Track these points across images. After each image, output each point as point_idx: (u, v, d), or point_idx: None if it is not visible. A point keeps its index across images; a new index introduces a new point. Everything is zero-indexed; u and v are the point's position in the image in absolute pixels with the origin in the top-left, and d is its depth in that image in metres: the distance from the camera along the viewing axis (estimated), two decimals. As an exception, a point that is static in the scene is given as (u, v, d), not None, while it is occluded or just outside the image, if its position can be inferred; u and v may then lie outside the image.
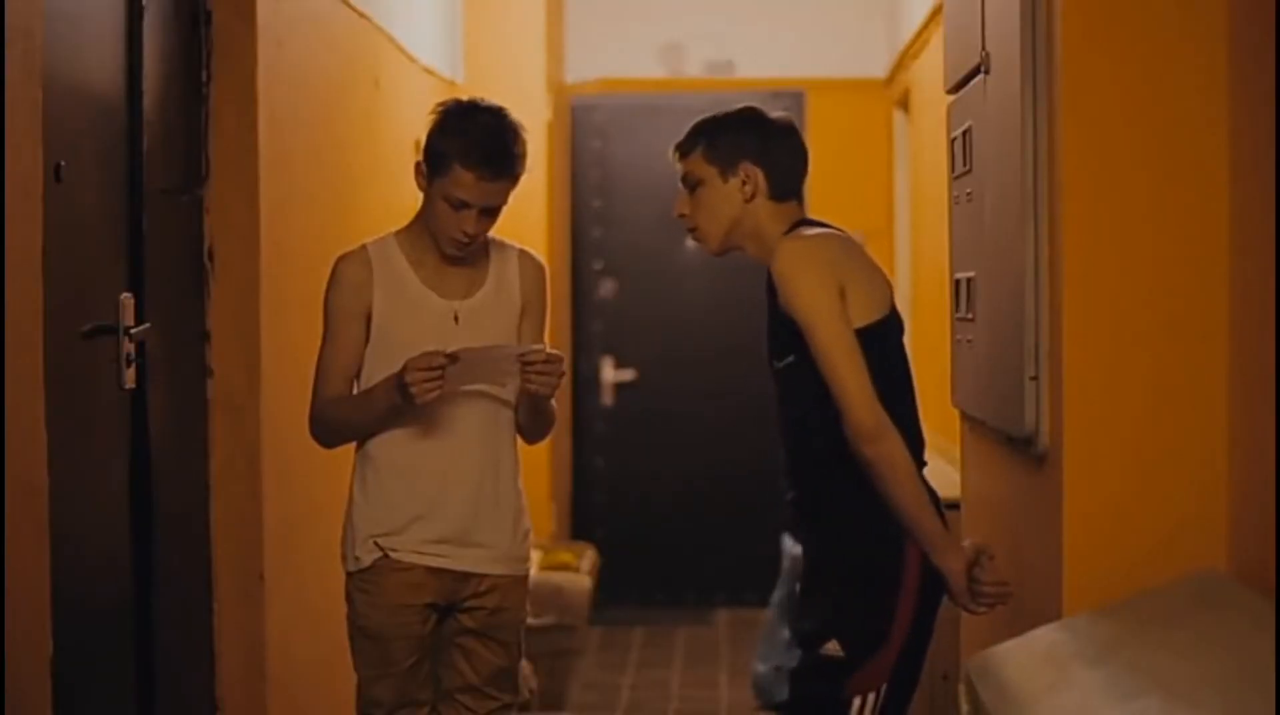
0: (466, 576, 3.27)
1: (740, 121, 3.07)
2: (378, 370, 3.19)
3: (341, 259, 3.28)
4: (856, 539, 2.92)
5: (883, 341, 2.91)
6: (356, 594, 3.28)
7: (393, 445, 3.24)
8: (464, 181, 3.13)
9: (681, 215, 3.07)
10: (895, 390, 2.91)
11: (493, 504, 3.28)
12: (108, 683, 3.12)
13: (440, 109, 3.24)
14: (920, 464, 2.94)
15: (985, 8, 3.07)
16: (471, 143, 3.13)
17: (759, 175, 3.02)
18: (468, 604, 3.28)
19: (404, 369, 3.04)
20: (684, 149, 3.07)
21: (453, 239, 3.19)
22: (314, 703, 4.15)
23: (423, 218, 3.26)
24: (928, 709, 4.84)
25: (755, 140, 3.03)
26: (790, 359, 2.93)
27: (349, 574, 3.29)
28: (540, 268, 3.38)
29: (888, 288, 2.97)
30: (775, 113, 3.12)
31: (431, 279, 3.25)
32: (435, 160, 3.17)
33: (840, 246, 2.96)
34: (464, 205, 3.15)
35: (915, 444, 2.96)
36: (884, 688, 2.89)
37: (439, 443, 3.23)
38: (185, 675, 3.57)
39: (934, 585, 2.92)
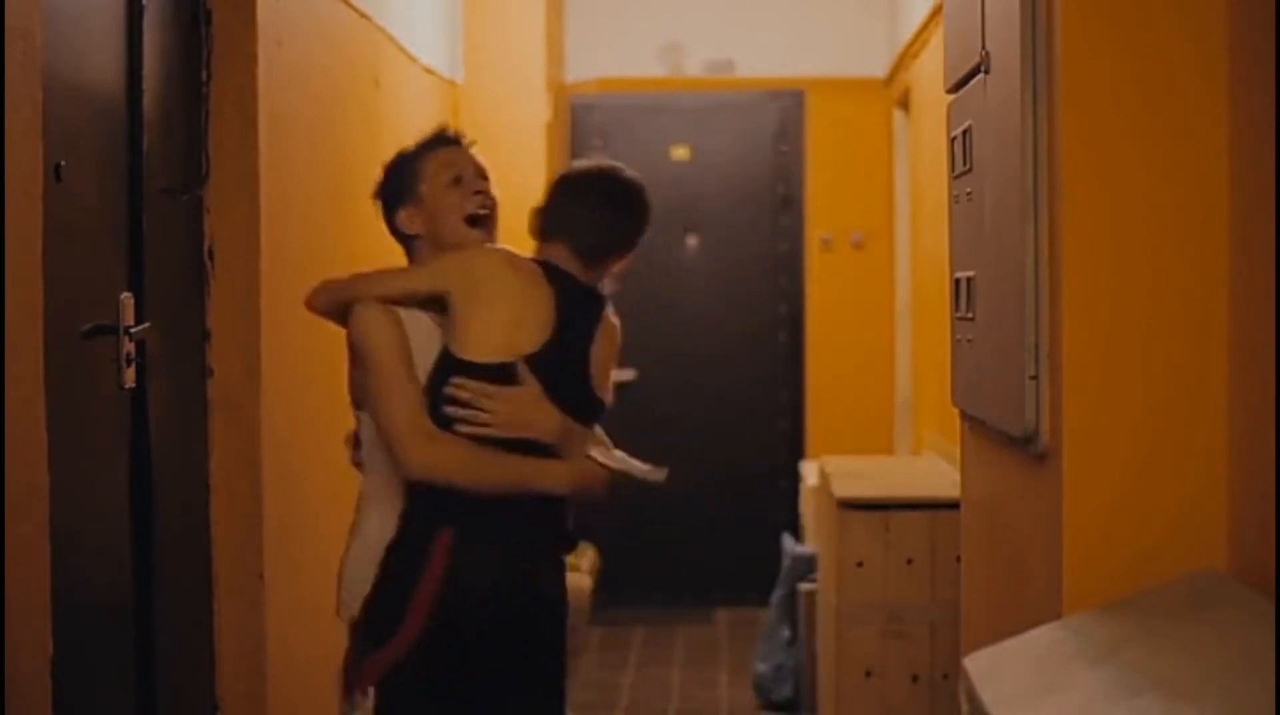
0: None
1: None
2: None
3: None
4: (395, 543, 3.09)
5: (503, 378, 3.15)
6: None
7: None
8: (445, 159, 3.25)
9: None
10: None
11: None
12: (108, 683, 3.12)
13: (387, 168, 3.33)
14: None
15: (985, 8, 3.07)
16: (427, 140, 3.30)
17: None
18: None
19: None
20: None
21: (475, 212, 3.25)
22: (314, 703, 4.15)
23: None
24: (928, 709, 4.83)
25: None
26: None
27: None
28: None
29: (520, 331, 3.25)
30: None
31: None
32: (404, 180, 3.25)
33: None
34: (458, 179, 3.24)
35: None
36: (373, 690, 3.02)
37: None
38: (185, 675, 3.57)
39: (460, 619, 3.04)
